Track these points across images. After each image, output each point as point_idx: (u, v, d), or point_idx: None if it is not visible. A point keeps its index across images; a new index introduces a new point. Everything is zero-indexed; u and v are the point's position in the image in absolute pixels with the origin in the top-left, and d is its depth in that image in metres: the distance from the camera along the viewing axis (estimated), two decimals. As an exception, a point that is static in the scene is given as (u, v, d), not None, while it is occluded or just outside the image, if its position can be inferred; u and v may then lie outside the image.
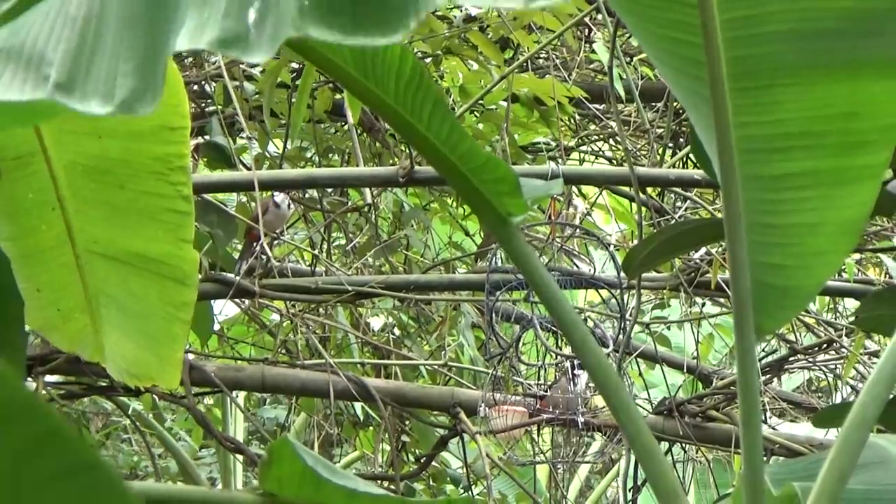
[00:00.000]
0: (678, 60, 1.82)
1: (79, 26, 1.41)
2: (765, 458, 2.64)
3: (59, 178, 2.82)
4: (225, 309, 5.37)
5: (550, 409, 3.98)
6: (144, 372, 3.07)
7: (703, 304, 5.24)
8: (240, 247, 4.79)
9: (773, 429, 4.62)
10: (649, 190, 4.72)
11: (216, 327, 5.03)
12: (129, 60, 1.36)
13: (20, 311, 2.27)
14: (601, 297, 4.50)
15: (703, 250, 4.48)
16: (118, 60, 1.37)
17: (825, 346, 4.81)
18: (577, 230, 4.26)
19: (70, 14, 1.43)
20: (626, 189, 5.17)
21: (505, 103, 4.74)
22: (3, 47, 1.42)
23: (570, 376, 3.98)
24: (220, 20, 1.32)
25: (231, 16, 1.32)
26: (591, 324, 4.45)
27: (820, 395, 6.08)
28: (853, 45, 1.77)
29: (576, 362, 3.96)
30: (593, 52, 5.44)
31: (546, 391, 4.07)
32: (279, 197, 4.43)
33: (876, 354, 5.12)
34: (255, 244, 4.36)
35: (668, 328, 5.61)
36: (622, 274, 3.94)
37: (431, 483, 5.67)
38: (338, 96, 4.98)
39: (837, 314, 5.73)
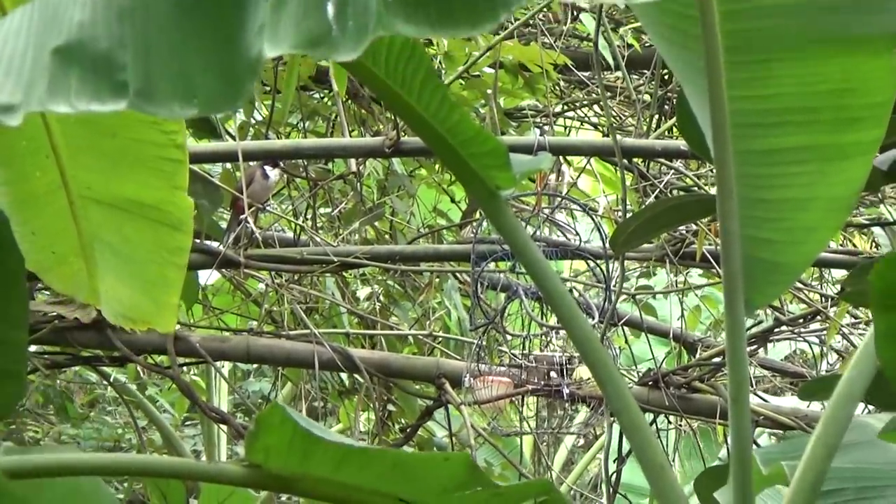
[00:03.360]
0: (674, 33, 1.81)
1: (139, 21, 1.36)
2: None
3: (53, 126, 2.83)
4: (207, 275, 5.36)
5: (535, 380, 3.98)
6: (140, 316, 3.12)
7: (688, 273, 5.24)
8: (225, 215, 4.77)
9: (760, 398, 4.63)
10: (636, 159, 4.71)
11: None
12: (201, 57, 1.33)
13: (20, 267, 2.27)
14: (587, 265, 4.50)
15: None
16: (189, 56, 1.33)
17: (811, 316, 4.82)
18: (564, 200, 4.24)
19: (120, 7, 1.37)
20: (612, 158, 5.16)
21: (489, 69, 4.72)
22: (60, 46, 1.36)
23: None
24: (299, 18, 1.27)
25: (310, 13, 1.27)
26: (575, 294, 4.45)
27: (805, 365, 6.09)
28: (849, 21, 1.76)
29: (560, 332, 3.96)
30: (580, 22, 5.43)
31: (531, 361, 4.07)
32: (266, 168, 4.42)
33: (861, 324, 5.14)
34: (242, 215, 4.34)
35: (654, 297, 5.62)
36: (607, 245, 3.93)
37: (417, 451, 5.67)
38: (323, 63, 4.96)
39: (824, 282, 5.74)
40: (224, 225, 4.65)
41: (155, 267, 3.04)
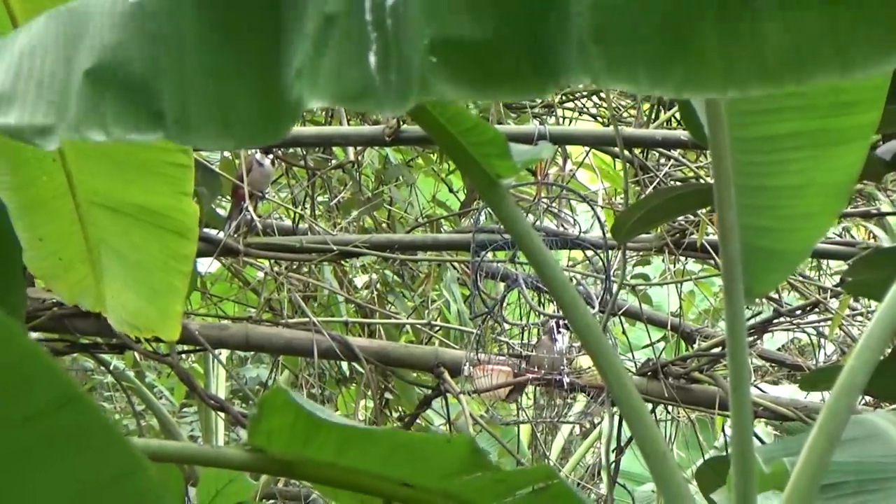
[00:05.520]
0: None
1: (173, 46, 1.32)
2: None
3: None
4: (207, 264, 5.37)
5: (535, 369, 3.98)
6: (145, 323, 3.13)
7: (686, 262, 5.25)
8: (223, 203, 4.77)
9: (760, 389, 4.64)
10: (635, 149, 4.72)
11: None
12: (239, 89, 1.29)
13: (17, 253, 2.29)
14: (585, 255, 4.51)
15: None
16: (226, 87, 1.30)
17: (811, 307, 4.82)
18: (563, 190, 4.25)
19: (152, 30, 1.33)
20: (612, 148, 5.17)
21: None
22: (93, 69, 1.33)
23: (553, 335, 3.99)
24: (341, 65, 1.20)
25: (352, 62, 1.20)
26: (573, 283, 4.45)
27: (803, 355, 6.10)
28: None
29: (561, 322, 3.96)
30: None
31: (530, 351, 4.08)
32: (259, 156, 4.42)
33: (861, 315, 5.15)
34: (243, 203, 4.35)
35: (652, 287, 5.62)
36: (609, 234, 3.94)
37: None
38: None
39: (821, 272, 5.74)
40: (222, 213, 4.65)
41: (161, 274, 3.05)
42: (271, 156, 4.47)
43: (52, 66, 1.37)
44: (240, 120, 1.30)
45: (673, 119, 5.07)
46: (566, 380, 3.90)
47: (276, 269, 4.87)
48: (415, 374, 4.91)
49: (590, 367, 3.97)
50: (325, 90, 1.21)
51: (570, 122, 5.96)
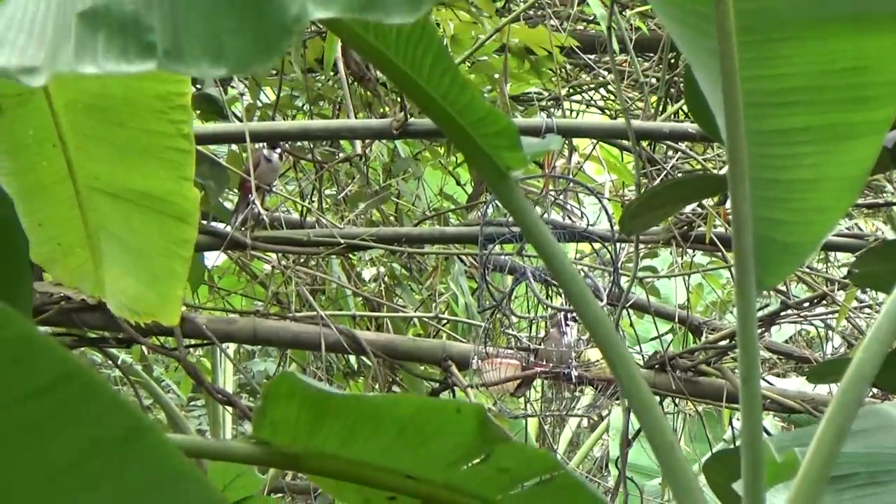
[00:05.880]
0: (684, 13, 1.81)
1: None
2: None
3: (60, 115, 2.83)
4: (214, 257, 5.37)
5: (543, 363, 3.98)
6: (145, 308, 3.12)
7: (694, 254, 5.24)
8: (231, 197, 4.77)
9: (767, 381, 4.63)
10: (643, 142, 4.72)
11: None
12: (234, 13, 1.30)
13: (25, 247, 2.29)
14: (592, 247, 4.50)
15: (694, 203, 4.47)
16: (220, 14, 1.30)
17: (818, 300, 4.81)
18: (571, 182, 4.25)
19: None
20: (620, 140, 5.16)
21: (496, 55, 4.72)
22: (86, 10, 1.33)
23: (562, 328, 3.98)
24: None
25: None
26: (582, 276, 4.45)
27: (811, 347, 6.10)
28: (864, -1, 1.76)
29: (568, 315, 3.96)
30: (587, 4, 5.42)
31: (538, 344, 4.07)
32: (267, 151, 4.42)
33: (868, 307, 5.14)
34: (250, 196, 4.35)
35: (659, 279, 5.61)
36: (615, 228, 3.94)
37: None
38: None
39: (829, 265, 5.74)
40: (229, 206, 4.65)
41: (161, 259, 3.04)
42: (279, 150, 4.47)
43: (44, 14, 1.38)
44: (233, 45, 1.30)
45: (680, 112, 5.06)
46: (574, 373, 3.90)
47: (283, 262, 4.87)
48: (422, 368, 4.91)
49: (598, 360, 3.96)
50: (332, 1, 1.21)
51: (577, 115, 5.96)
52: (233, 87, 4.77)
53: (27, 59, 1.33)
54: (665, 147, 5.32)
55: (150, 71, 1.32)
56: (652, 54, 5.41)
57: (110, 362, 5.36)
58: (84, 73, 1.31)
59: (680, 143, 5.05)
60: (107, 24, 1.33)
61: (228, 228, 4.36)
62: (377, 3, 1.21)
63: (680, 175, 5.04)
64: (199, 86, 4.55)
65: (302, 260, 4.95)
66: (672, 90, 5.29)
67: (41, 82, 1.32)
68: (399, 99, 4.26)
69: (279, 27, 1.27)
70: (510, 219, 3.85)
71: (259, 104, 5.10)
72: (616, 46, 4.78)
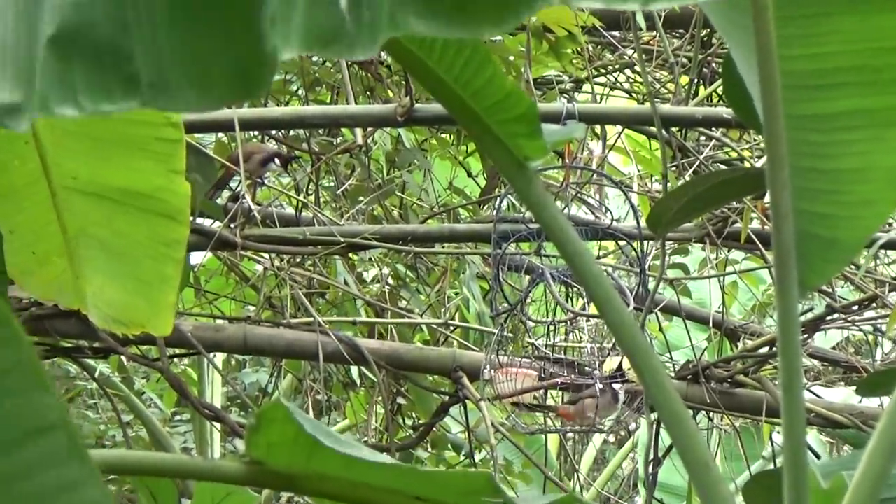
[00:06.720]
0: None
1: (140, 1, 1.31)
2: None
3: None
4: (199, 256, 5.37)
5: (579, 420, 3.97)
6: (133, 318, 3.08)
7: (729, 252, 5.22)
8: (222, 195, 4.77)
9: (812, 392, 4.62)
10: (673, 129, 4.71)
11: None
12: (214, 42, 1.30)
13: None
14: (617, 244, 4.50)
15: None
16: (201, 42, 1.30)
17: (867, 302, 4.79)
18: (595, 175, 4.24)
19: None
20: (647, 127, 5.16)
21: (511, 35, 4.72)
22: (56, 35, 1.31)
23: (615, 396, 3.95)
24: (312, 8, 1.24)
25: (323, 3, 1.24)
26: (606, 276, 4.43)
27: (858, 355, 6.08)
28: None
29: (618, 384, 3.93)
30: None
31: (556, 352, 4.07)
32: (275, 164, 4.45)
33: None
34: (232, 176, 4.34)
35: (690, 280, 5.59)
36: (646, 226, 3.93)
37: (430, 449, 5.68)
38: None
39: (879, 263, 5.72)
40: (220, 203, 4.65)
41: (150, 263, 3.01)
42: (272, 141, 4.47)
43: (14, 33, 1.36)
44: (221, 76, 1.30)
45: (714, 94, 5.05)
46: (598, 385, 3.90)
47: (277, 263, 4.87)
48: (430, 379, 4.91)
49: (627, 369, 3.96)
50: (295, 38, 1.24)
51: (601, 98, 5.95)
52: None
53: (6, 93, 1.32)
54: (697, 134, 5.31)
55: (134, 109, 1.32)
56: (683, 31, 5.40)
57: (86, 374, 5.37)
58: (65, 116, 1.31)
59: (714, 130, 5.04)
60: (80, 52, 1.32)
61: (216, 225, 4.35)
62: (339, 37, 1.24)
63: (714, 166, 5.03)
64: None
65: (297, 260, 4.95)
66: (705, 70, 5.28)
67: (25, 127, 1.32)
68: (404, 82, 4.26)
69: (263, 63, 1.28)
70: (527, 214, 3.85)
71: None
72: (643, 22, 4.78)
